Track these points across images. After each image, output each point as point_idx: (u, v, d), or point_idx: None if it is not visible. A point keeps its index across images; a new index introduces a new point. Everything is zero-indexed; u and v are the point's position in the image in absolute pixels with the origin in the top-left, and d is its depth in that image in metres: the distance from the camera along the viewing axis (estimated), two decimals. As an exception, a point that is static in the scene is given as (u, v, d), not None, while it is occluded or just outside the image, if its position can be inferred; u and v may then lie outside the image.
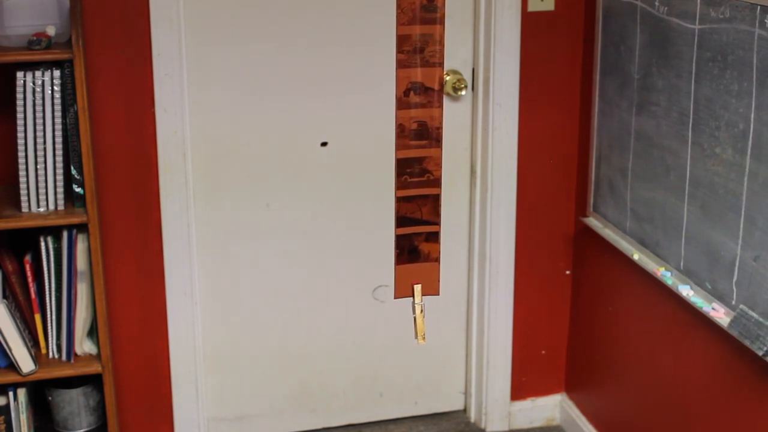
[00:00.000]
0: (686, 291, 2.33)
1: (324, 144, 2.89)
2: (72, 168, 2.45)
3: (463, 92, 2.86)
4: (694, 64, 2.25)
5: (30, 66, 2.38)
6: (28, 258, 2.51)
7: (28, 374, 2.49)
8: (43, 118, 2.39)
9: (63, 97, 2.39)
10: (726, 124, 2.14)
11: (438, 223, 1.51)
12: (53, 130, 2.40)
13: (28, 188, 2.42)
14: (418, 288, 1.53)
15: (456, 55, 2.88)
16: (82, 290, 2.53)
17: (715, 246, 2.22)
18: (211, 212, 2.86)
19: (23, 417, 2.56)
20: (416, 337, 1.55)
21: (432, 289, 1.54)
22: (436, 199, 1.49)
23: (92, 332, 2.59)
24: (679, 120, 2.32)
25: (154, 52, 2.63)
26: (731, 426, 2.29)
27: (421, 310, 1.53)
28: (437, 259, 1.52)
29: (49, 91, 2.38)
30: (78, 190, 2.46)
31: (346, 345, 3.07)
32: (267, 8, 2.76)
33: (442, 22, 1.44)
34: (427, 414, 3.20)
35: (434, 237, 1.51)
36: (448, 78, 2.87)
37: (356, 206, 2.95)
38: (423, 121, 1.46)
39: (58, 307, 2.52)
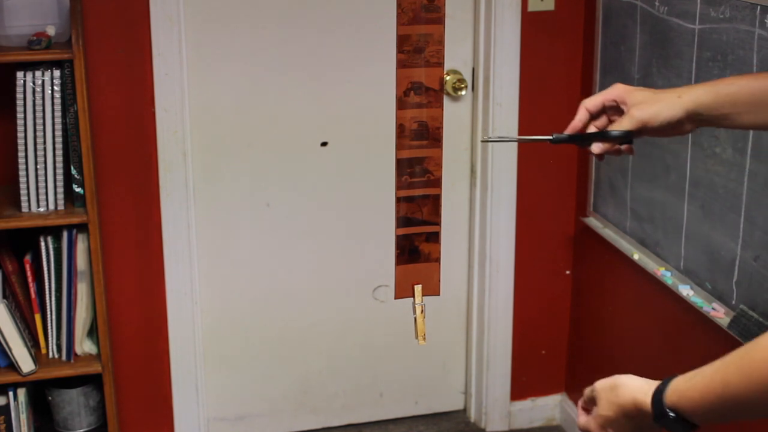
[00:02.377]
0: (686, 291, 2.33)
1: (324, 144, 2.89)
2: (72, 168, 2.45)
3: (463, 92, 2.86)
4: (694, 64, 2.25)
5: (30, 66, 2.38)
6: (28, 258, 2.51)
7: (28, 374, 2.49)
8: (43, 118, 2.39)
9: (63, 97, 2.39)
10: (726, 124, 2.14)
11: (438, 224, 1.51)
12: (53, 130, 2.40)
13: (28, 188, 2.42)
14: (418, 288, 1.52)
15: (456, 55, 2.88)
16: (82, 290, 2.53)
17: (715, 246, 2.22)
18: (211, 212, 2.86)
19: (23, 417, 2.56)
20: (417, 337, 1.55)
21: (433, 289, 1.54)
22: (436, 199, 1.49)
23: (92, 332, 2.58)
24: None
25: (154, 52, 2.63)
26: (731, 426, 2.29)
27: (422, 311, 1.53)
28: (438, 260, 1.52)
29: (49, 91, 2.38)
30: (78, 190, 2.46)
31: (346, 345, 3.07)
32: (267, 8, 2.76)
33: (442, 22, 1.44)
34: (427, 414, 3.20)
35: (435, 237, 1.51)
36: (448, 78, 2.87)
37: (356, 206, 2.95)
38: (423, 121, 1.46)
39: (58, 307, 2.52)
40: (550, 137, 1.46)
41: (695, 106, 1.37)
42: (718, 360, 1.10)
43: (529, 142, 1.41)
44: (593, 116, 1.45)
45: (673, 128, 1.40)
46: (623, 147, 1.43)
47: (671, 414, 1.10)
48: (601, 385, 1.26)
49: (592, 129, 1.46)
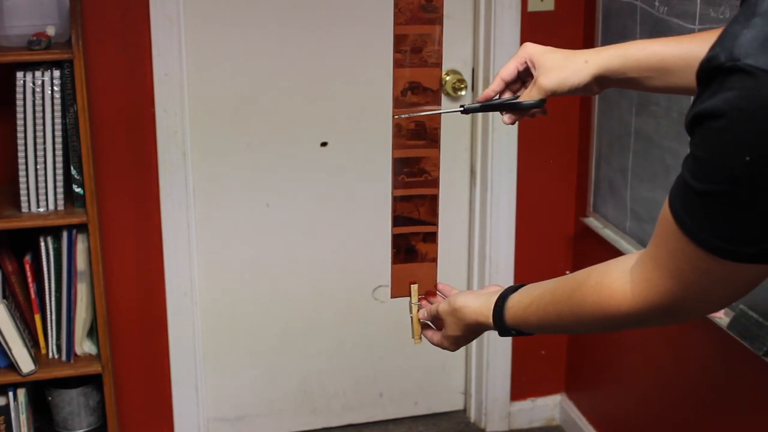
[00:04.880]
0: (686, 291, 2.33)
1: (324, 144, 2.89)
2: (72, 168, 2.45)
3: (463, 92, 2.86)
4: (693, 64, 2.24)
5: (30, 66, 2.38)
6: (28, 258, 2.51)
7: (28, 374, 2.49)
8: (43, 118, 2.39)
9: (63, 97, 2.39)
10: (725, 124, 2.14)
11: (435, 224, 1.51)
12: (53, 130, 2.40)
13: (28, 188, 2.42)
14: (414, 288, 1.52)
15: (456, 55, 2.88)
16: (82, 290, 2.53)
17: (714, 246, 2.21)
18: (211, 212, 2.86)
19: (23, 417, 2.56)
20: (412, 336, 1.55)
21: (429, 289, 1.54)
22: (433, 200, 1.49)
23: (92, 332, 2.59)
24: (679, 120, 2.32)
25: (154, 52, 2.63)
26: (731, 426, 2.29)
27: (418, 310, 1.53)
28: (434, 260, 1.52)
29: (49, 91, 2.38)
30: (78, 190, 2.46)
31: (346, 345, 3.07)
32: (267, 8, 2.76)
33: (440, 22, 1.44)
34: (427, 414, 3.20)
35: (431, 237, 1.51)
36: (447, 78, 2.86)
37: (356, 206, 2.95)
38: (420, 121, 1.45)
39: (58, 307, 2.52)
40: (461, 108, 1.46)
41: (602, 71, 1.38)
42: (548, 288, 1.28)
43: (444, 114, 1.41)
44: (509, 83, 1.45)
45: (581, 91, 1.42)
46: (535, 110, 1.44)
47: (513, 331, 1.35)
48: (443, 309, 1.45)
49: (507, 94, 1.46)
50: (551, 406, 3.18)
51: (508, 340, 3.07)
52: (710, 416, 2.36)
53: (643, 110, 2.50)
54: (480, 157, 2.94)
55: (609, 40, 2.66)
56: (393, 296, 1.54)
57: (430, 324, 1.52)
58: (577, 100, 2.90)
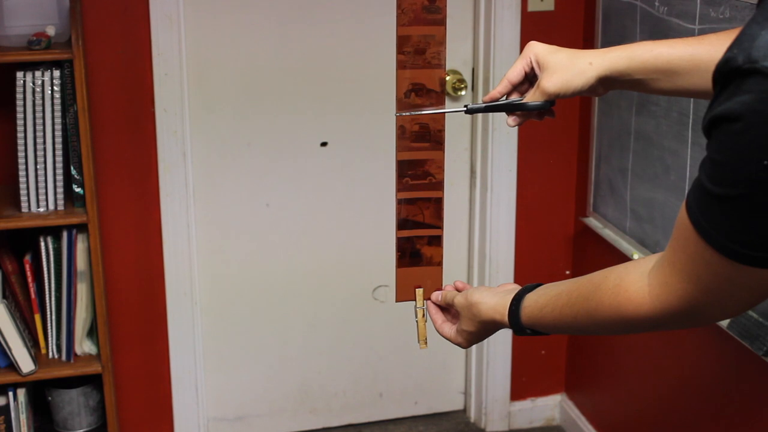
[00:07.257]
0: (686, 291, 2.33)
1: (324, 144, 2.89)
2: (72, 168, 2.45)
3: (463, 92, 2.86)
4: (694, 65, 2.24)
5: (30, 66, 2.38)
6: (28, 258, 2.51)
7: (28, 374, 2.48)
8: (43, 118, 2.39)
9: (63, 97, 2.39)
10: (726, 124, 2.14)
11: (441, 227, 1.50)
12: (53, 130, 2.40)
13: (27, 188, 2.42)
14: (419, 292, 1.52)
15: (456, 55, 2.88)
16: (82, 290, 2.53)
17: (715, 246, 2.21)
18: (211, 212, 2.86)
19: (23, 417, 2.56)
20: (418, 341, 1.54)
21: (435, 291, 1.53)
22: (438, 203, 1.48)
23: (92, 332, 2.58)
24: (679, 120, 2.32)
25: (154, 52, 2.63)
26: (731, 426, 2.29)
27: (423, 314, 1.53)
28: (440, 264, 1.51)
29: (49, 91, 2.37)
30: (78, 190, 2.45)
31: (346, 345, 3.07)
32: (267, 8, 2.76)
33: (444, 23, 1.44)
34: (427, 414, 3.20)
35: (437, 241, 1.50)
36: (448, 78, 2.86)
37: (356, 206, 2.95)
38: (425, 123, 1.45)
39: (57, 307, 2.52)
40: (465, 108, 1.45)
41: (608, 72, 1.35)
42: (565, 289, 1.27)
43: (446, 114, 1.39)
44: (516, 85, 1.42)
45: (585, 93, 1.39)
46: (542, 111, 1.41)
47: (528, 330, 1.34)
48: (459, 302, 1.43)
49: (515, 95, 1.43)
50: (551, 406, 3.18)
51: (508, 340, 3.07)
52: (710, 416, 2.37)
53: (643, 110, 2.50)
54: (480, 157, 2.94)
55: (609, 40, 2.66)
56: (398, 300, 1.53)
57: (442, 309, 1.50)
58: (577, 100, 2.90)
